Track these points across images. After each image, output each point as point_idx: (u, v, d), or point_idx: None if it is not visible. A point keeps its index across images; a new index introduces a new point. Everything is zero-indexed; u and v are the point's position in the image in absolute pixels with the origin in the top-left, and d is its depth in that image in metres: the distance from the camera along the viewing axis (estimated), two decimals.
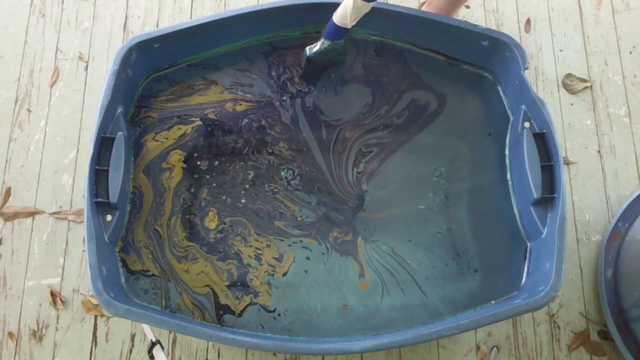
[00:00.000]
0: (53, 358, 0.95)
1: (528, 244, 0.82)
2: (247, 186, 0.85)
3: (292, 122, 0.88)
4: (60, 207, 1.03)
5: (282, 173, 0.86)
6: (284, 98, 0.89)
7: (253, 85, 0.90)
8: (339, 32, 0.86)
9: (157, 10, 1.16)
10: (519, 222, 0.83)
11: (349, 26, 0.84)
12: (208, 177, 0.85)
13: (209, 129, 0.88)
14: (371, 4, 0.81)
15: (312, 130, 0.88)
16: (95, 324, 0.96)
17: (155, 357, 0.93)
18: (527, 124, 0.82)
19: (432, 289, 0.81)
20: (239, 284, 0.80)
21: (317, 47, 0.88)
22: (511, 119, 0.87)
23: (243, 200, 0.84)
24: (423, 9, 1.06)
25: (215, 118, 0.88)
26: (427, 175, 0.87)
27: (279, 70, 0.91)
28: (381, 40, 0.92)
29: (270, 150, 0.87)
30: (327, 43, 0.88)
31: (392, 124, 0.89)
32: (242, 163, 0.86)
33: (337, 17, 0.84)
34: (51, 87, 1.10)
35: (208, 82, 0.90)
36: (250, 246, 0.82)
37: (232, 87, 0.90)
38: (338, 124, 0.89)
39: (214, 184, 0.85)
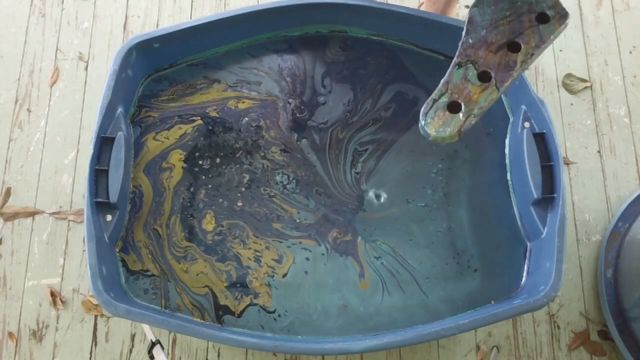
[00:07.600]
0: (53, 358, 0.95)
1: (528, 243, 0.82)
2: (243, 189, 0.85)
3: (287, 127, 0.88)
4: (60, 207, 1.03)
5: (277, 177, 0.85)
6: (289, 100, 0.89)
7: (261, 83, 0.90)
8: None
9: (157, 10, 1.16)
10: (519, 222, 0.83)
11: None
12: (204, 177, 0.85)
13: (210, 127, 0.87)
14: None
15: (305, 134, 0.88)
16: (95, 324, 0.96)
17: (155, 357, 0.93)
18: (527, 124, 0.82)
19: (433, 288, 0.81)
20: (238, 285, 0.80)
21: None
22: (511, 119, 0.86)
23: (240, 203, 0.84)
24: (422, 8, 1.06)
25: (217, 116, 0.88)
26: (425, 171, 0.87)
27: (289, 70, 0.91)
28: (380, 40, 0.92)
29: (262, 154, 0.87)
30: None
31: (380, 118, 0.89)
32: (237, 166, 0.86)
33: None
34: (51, 87, 1.10)
35: (210, 80, 0.90)
36: (249, 248, 0.82)
37: (236, 84, 0.90)
38: (326, 126, 0.88)
39: (210, 186, 0.85)
